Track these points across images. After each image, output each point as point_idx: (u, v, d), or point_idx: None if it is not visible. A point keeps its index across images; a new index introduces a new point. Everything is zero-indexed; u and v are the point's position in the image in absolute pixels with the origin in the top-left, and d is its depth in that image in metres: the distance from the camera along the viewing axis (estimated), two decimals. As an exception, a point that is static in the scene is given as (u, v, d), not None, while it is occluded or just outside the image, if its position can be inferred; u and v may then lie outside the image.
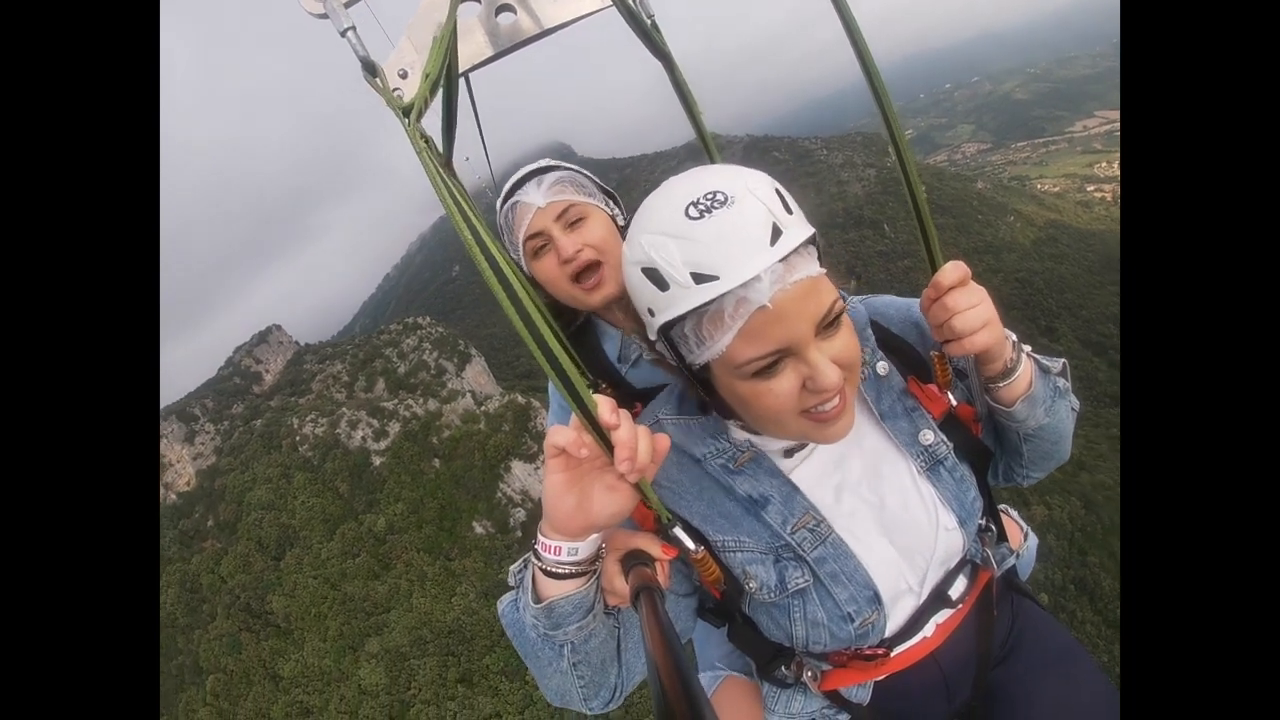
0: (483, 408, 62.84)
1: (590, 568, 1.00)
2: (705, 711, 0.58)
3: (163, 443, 67.00)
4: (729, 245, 0.89)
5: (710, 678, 1.50)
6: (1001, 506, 1.44)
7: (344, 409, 64.24)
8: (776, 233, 0.89)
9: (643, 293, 0.98)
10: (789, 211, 0.93)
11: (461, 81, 1.43)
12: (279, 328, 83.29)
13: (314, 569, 53.09)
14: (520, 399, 63.12)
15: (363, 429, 61.59)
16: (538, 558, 0.99)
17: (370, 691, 43.76)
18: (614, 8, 1.45)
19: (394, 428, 61.28)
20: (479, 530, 54.30)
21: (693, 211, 0.90)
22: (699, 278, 0.90)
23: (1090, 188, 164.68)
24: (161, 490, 64.42)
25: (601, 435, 0.88)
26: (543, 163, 1.65)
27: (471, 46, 1.47)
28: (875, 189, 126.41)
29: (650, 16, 1.51)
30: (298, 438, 62.31)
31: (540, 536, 0.98)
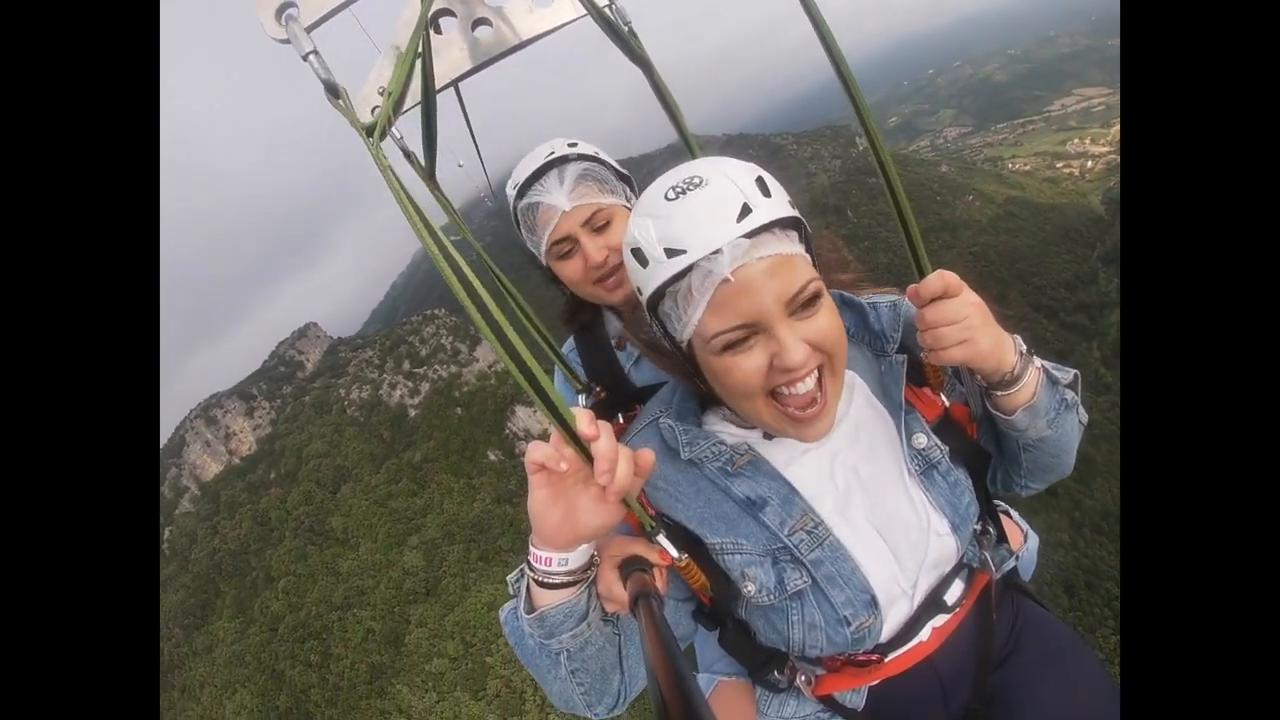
0: (492, 368, 76.51)
1: (583, 576, 0.99)
2: (705, 718, 0.56)
3: (226, 416, 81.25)
4: (696, 221, 0.92)
5: (705, 680, 1.48)
6: (1002, 508, 1.42)
7: (385, 375, 78.20)
8: (745, 211, 0.91)
9: (633, 273, 1.02)
10: (766, 195, 0.95)
11: (451, 92, 1.50)
12: (315, 324, 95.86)
13: (365, 494, 66.81)
14: (522, 361, 76.60)
15: (400, 389, 75.79)
16: (530, 568, 0.98)
17: (411, 572, 57.10)
18: (589, 18, 1.48)
19: (424, 387, 75.73)
20: (492, 457, 68.08)
21: (670, 194, 0.95)
22: (670, 252, 0.93)
23: (1060, 164, 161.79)
24: (227, 456, 78.53)
25: (582, 447, 0.86)
26: (560, 148, 1.52)
27: (450, 60, 1.47)
28: (840, 178, 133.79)
29: (627, 24, 1.54)
30: (346, 403, 76.27)
31: (532, 548, 0.97)
